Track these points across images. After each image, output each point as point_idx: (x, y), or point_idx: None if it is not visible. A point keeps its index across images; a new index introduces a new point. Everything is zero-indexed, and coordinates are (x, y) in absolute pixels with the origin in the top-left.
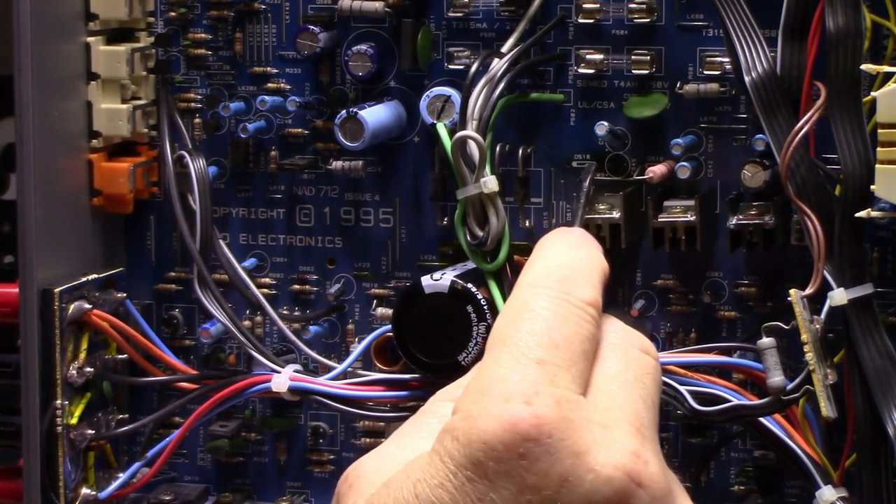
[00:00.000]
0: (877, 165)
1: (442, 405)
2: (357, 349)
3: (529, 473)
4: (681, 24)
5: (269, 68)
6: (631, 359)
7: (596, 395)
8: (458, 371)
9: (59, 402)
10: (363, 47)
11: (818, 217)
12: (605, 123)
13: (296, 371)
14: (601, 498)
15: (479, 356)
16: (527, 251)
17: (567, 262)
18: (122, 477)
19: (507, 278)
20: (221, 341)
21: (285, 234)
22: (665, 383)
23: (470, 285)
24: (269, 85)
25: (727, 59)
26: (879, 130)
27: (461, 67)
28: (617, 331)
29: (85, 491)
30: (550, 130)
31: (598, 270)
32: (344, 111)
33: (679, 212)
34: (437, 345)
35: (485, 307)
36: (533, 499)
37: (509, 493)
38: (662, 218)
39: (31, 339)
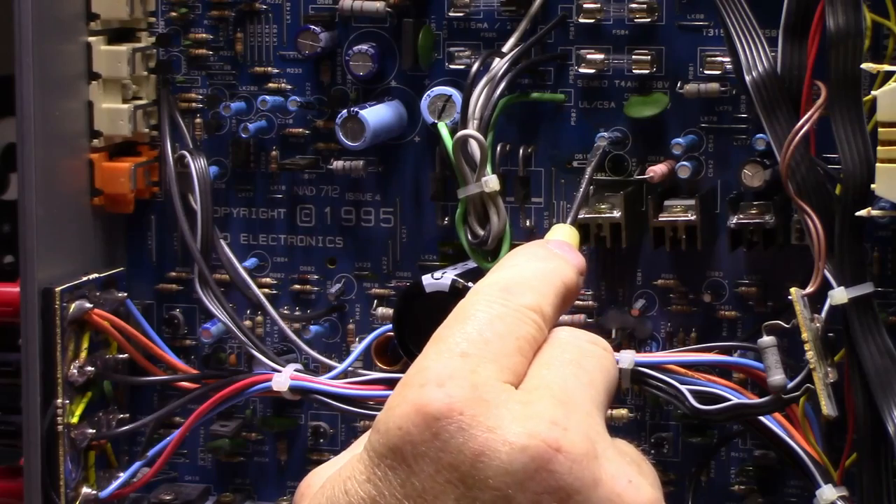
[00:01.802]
0: (877, 164)
1: None
2: (357, 349)
3: (444, 452)
4: (681, 23)
5: (269, 68)
6: (571, 346)
7: (526, 381)
8: None
9: (59, 401)
10: (364, 47)
11: (818, 216)
12: (605, 134)
13: (296, 370)
14: (519, 466)
15: None
16: None
17: (515, 274)
18: (123, 476)
19: None
20: (222, 341)
21: (286, 234)
22: (666, 382)
23: (471, 284)
24: (270, 85)
25: (728, 59)
26: (880, 129)
27: (462, 67)
28: (567, 329)
29: (85, 490)
30: (551, 130)
31: (553, 283)
32: (345, 111)
33: (679, 211)
34: None
35: None
36: (451, 477)
37: (427, 475)
38: (663, 217)
39: (31, 339)
